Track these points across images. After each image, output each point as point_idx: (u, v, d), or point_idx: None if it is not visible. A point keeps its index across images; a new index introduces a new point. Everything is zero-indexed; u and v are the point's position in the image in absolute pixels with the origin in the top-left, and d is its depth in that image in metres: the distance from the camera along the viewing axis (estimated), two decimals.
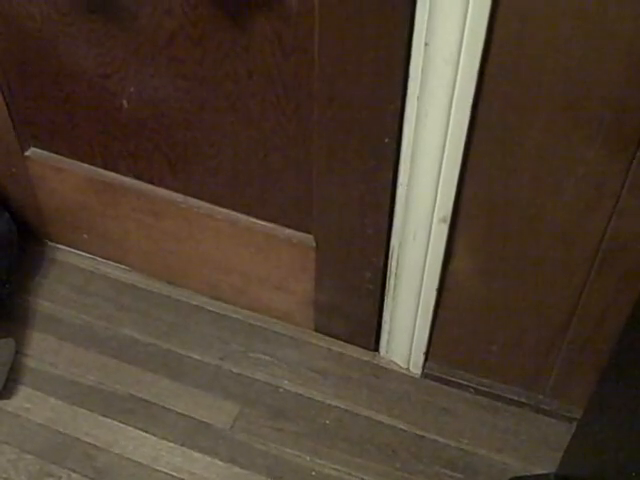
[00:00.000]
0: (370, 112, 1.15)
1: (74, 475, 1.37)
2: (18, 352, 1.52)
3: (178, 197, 1.48)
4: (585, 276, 1.23)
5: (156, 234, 1.57)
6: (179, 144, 1.39)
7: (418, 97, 1.10)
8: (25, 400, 1.46)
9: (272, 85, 1.22)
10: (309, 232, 1.41)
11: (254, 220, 1.44)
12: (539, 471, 1.35)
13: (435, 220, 1.23)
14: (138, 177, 1.49)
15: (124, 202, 1.54)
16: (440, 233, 1.24)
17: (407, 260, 1.32)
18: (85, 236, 1.66)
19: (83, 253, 1.70)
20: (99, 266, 1.68)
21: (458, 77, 1.05)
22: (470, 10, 0.98)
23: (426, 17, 1.02)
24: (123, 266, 1.68)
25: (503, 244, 1.24)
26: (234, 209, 1.45)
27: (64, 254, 1.71)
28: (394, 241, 1.31)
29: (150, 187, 1.50)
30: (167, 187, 1.48)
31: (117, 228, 1.61)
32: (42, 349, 1.54)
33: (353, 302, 1.46)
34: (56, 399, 1.46)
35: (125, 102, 1.36)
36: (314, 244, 1.41)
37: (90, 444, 1.40)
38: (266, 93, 1.24)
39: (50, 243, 1.72)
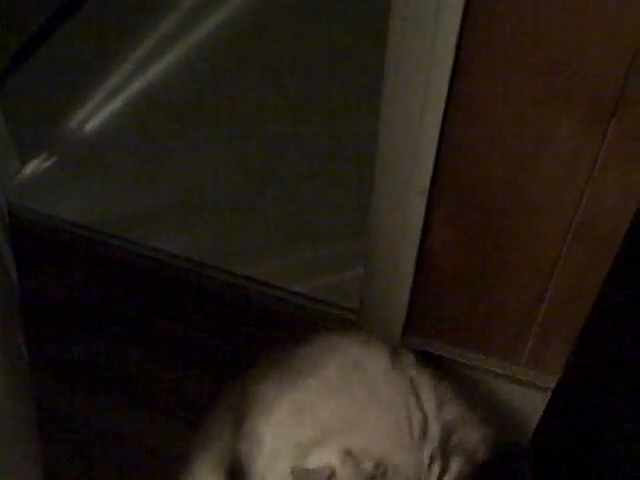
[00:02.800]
0: None
1: None
2: None
3: None
4: (559, 248, 1.25)
5: None
6: None
7: (394, 70, 1.11)
8: None
9: None
10: None
11: None
12: (515, 439, 1.38)
13: (413, 193, 1.24)
14: None
15: None
16: (418, 205, 1.25)
17: (385, 233, 1.33)
18: None
19: None
20: None
21: (436, 48, 1.06)
22: None
23: None
24: None
25: (480, 216, 1.25)
26: None
27: None
28: (372, 215, 1.33)
29: None
30: None
31: None
32: None
33: None
34: None
35: None
36: None
37: None
38: None
39: None
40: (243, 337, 1.54)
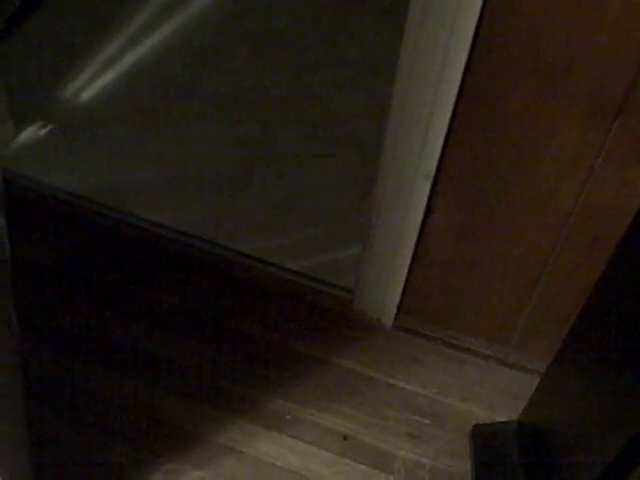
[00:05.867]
0: None
1: None
2: None
3: None
4: (556, 238, 1.29)
5: None
6: None
7: (410, 55, 1.14)
8: None
9: None
10: None
11: None
12: (502, 419, 1.43)
13: (418, 177, 1.27)
14: None
15: None
16: (422, 190, 1.28)
17: (388, 215, 1.36)
18: None
19: None
20: None
21: (452, 41, 1.09)
22: None
23: None
24: None
25: (481, 202, 1.29)
26: None
27: None
28: (376, 196, 1.35)
29: None
30: None
31: None
32: None
33: None
34: None
35: None
36: None
37: None
38: None
39: None
40: (238, 313, 1.56)
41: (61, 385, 1.44)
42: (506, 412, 1.43)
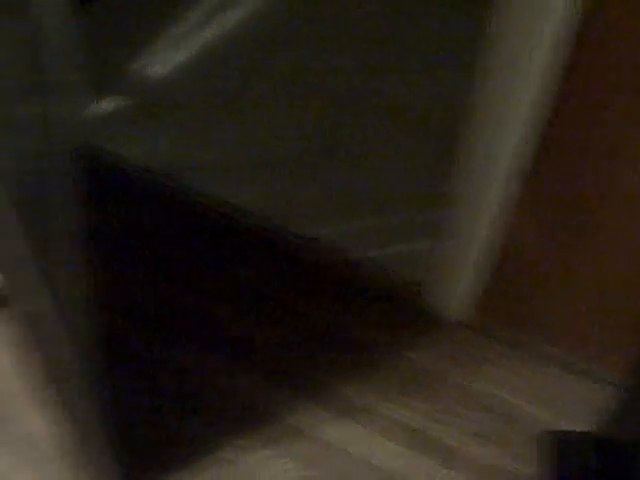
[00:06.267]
0: None
1: None
2: None
3: None
4: None
5: None
6: None
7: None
8: None
9: None
10: None
11: None
12: (569, 427, 1.41)
13: (503, 176, 1.24)
14: None
15: None
16: (505, 189, 1.25)
17: (464, 211, 1.33)
18: None
19: None
20: None
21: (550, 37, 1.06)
22: None
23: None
24: None
25: (570, 205, 1.25)
26: None
27: None
28: (453, 190, 1.33)
29: None
30: None
31: None
32: None
33: None
34: None
35: None
36: None
37: None
38: None
39: None
40: (312, 298, 1.55)
41: (141, 358, 1.45)
42: (574, 420, 1.41)
